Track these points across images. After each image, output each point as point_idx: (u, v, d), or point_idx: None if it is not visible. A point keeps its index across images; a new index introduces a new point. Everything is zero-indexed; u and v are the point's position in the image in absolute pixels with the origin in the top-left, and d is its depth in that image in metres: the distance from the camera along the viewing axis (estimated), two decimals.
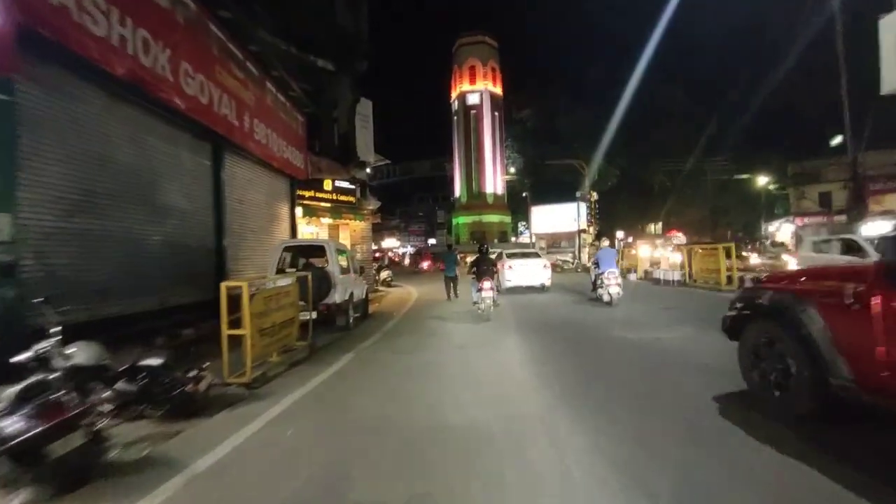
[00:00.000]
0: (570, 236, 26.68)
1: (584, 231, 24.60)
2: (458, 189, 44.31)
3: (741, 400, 3.62)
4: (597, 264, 10.68)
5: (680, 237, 38.80)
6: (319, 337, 6.71)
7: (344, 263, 8.55)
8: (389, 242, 64.27)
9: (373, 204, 14.73)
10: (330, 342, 6.82)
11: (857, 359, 2.67)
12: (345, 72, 14.14)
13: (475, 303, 9.06)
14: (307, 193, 12.76)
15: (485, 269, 8.97)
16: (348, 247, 13.59)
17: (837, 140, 37.71)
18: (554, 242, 28.42)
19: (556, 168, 31.93)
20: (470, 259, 12.10)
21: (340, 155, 13.94)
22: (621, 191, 36.44)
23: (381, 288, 16.46)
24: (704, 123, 30.32)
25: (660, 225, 42.25)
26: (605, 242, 11.68)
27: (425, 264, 23.87)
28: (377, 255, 26.88)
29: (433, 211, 65.77)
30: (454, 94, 43.14)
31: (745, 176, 30.42)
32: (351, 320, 8.08)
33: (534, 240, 31.02)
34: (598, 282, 10.36)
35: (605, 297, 9.93)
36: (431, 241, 58.30)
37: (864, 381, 2.63)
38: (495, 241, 42.32)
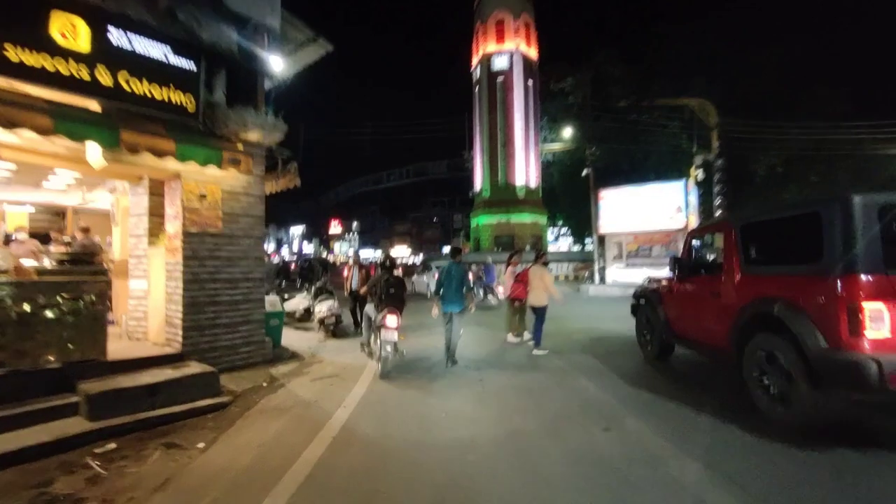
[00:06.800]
0: (666, 238, 16.01)
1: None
2: (478, 181, 34.10)
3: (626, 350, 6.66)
4: (480, 278, 13.27)
5: None
6: None
7: None
8: (400, 250, 56.75)
9: (255, 128, 5.33)
10: None
11: (672, 321, 5.47)
12: None
13: (369, 347, 6.40)
14: None
15: (393, 293, 5.64)
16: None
17: None
18: (640, 247, 16.88)
19: (640, 132, 21.29)
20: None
21: None
22: (708, 182, 25.98)
23: (287, 353, 6.93)
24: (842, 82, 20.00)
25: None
26: (489, 259, 16.20)
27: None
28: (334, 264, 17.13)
29: (449, 216, 59.00)
30: (476, 59, 33.02)
31: None
32: None
33: (599, 244, 19.28)
34: (487, 290, 13.19)
35: (494, 302, 12.63)
36: (446, 248, 49.43)
37: (674, 333, 5.40)
38: (526, 247, 31.88)
